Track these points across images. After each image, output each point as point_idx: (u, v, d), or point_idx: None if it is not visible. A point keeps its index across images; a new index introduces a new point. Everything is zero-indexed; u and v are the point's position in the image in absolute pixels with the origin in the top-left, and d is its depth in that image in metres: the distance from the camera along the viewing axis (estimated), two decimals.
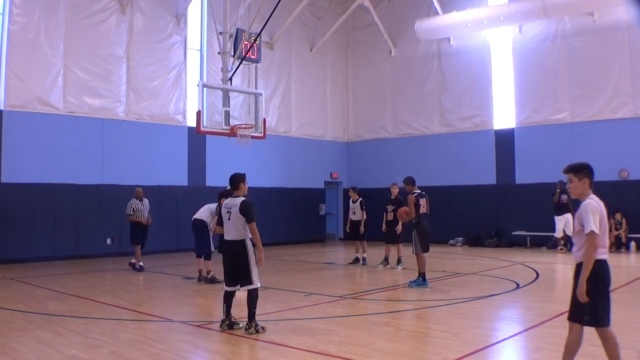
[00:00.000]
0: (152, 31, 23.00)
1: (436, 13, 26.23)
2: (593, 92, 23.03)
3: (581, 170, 6.06)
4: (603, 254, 5.88)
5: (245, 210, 8.84)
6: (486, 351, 7.59)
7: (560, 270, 16.80)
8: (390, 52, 29.14)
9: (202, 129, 17.40)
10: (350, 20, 30.17)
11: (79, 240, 20.38)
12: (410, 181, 14.08)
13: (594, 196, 6.01)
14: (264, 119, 19.01)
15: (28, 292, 13.25)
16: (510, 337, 8.59)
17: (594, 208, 5.85)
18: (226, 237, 9.01)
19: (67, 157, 20.43)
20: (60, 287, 13.92)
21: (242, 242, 8.89)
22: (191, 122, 22.40)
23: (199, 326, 9.28)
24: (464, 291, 12.39)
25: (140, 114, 22.50)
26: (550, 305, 10.61)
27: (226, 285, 9.03)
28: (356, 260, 18.40)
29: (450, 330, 8.65)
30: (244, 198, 9.04)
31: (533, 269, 16.48)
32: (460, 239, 25.54)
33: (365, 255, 18.27)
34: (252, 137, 18.25)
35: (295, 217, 27.23)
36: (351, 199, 18.72)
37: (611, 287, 5.97)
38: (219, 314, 9.11)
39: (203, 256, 14.47)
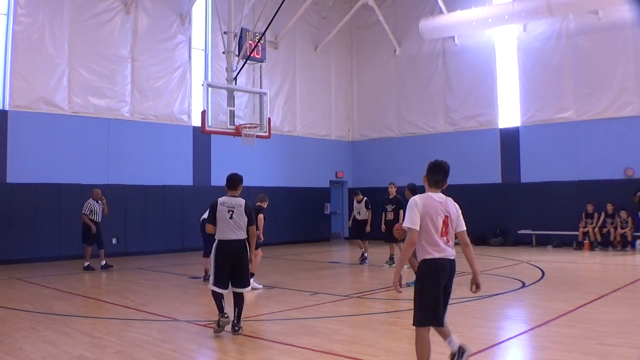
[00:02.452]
0: (156, 31, 23.03)
1: (441, 12, 26.20)
2: (598, 90, 22.99)
3: (427, 168, 6.09)
4: (434, 252, 5.81)
5: (251, 211, 9.02)
6: (491, 350, 7.59)
7: (565, 269, 16.76)
8: (395, 51, 29.12)
9: (207, 128, 17.41)
10: (354, 20, 30.17)
11: None
12: (412, 188, 14.06)
13: (427, 194, 5.95)
14: (269, 119, 19.02)
15: (34, 292, 13.28)
16: (515, 336, 8.58)
17: (412, 204, 5.83)
18: (226, 237, 8.81)
19: (72, 157, 20.48)
20: (65, 286, 13.96)
21: (244, 242, 8.90)
22: (196, 121, 22.50)
23: (204, 325, 9.28)
24: (469, 290, 12.35)
25: (145, 114, 22.54)
26: (555, 304, 10.58)
27: (220, 287, 8.78)
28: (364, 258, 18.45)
29: (455, 329, 8.60)
30: (244, 199, 9.07)
31: (539, 267, 16.47)
32: None
33: (366, 254, 18.33)
34: (257, 136, 18.27)
35: (300, 217, 27.24)
36: (355, 200, 18.79)
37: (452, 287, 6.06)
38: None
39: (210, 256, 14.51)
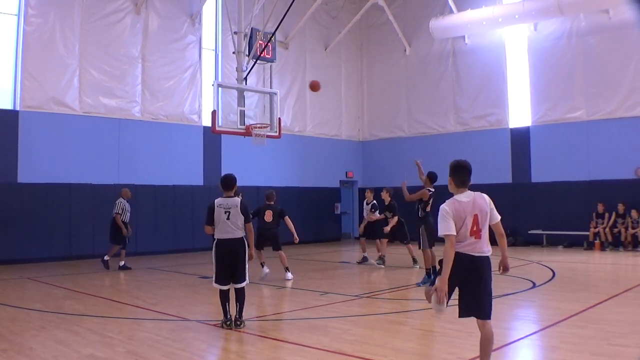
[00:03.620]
0: (167, 31, 23.08)
1: (451, 11, 26.16)
2: (609, 90, 22.90)
3: (450, 169, 6.35)
4: (457, 248, 6.03)
5: (246, 210, 9.43)
6: (502, 350, 7.56)
7: (576, 269, 16.71)
8: (405, 50, 29.10)
9: (217, 128, 17.43)
10: (364, 19, 30.15)
11: (95, 239, 20.43)
12: (431, 176, 14.03)
13: (457, 196, 6.21)
14: (279, 119, 19.02)
15: (44, 292, 13.34)
16: (526, 336, 8.56)
17: (444, 213, 6.06)
18: (224, 236, 9.27)
19: (83, 157, 20.55)
20: (76, 286, 14.00)
21: (242, 240, 9.33)
22: (206, 121, 22.52)
23: (214, 325, 9.29)
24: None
25: (156, 114, 22.59)
26: (566, 305, 10.55)
27: (222, 285, 9.24)
28: (364, 259, 18.44)
29: (466, 329, 8.62)
30: (239, 198, 9.62)
31: (549, 268, 16.42)
32: None
33: (381, 254, 18.24)
34: (268, 136, 18.28)
35: (310, 217, 27.19)
36: (365, 200, 18.83)
37: (486, 281, 6.23)
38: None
39: None
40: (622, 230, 21.53)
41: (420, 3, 28.37)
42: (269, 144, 19.38)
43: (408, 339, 8.27)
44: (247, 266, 9.31)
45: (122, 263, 17.55)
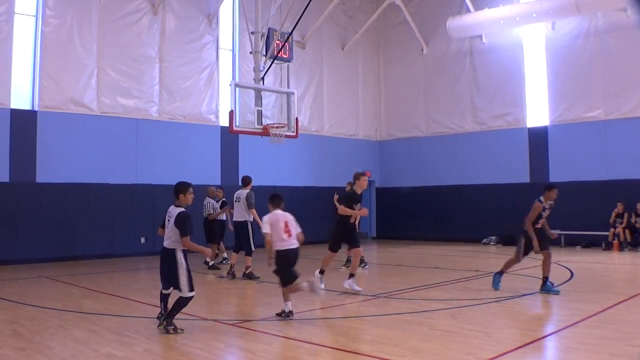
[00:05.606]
0: (184, 31, 23.15)
1: (468, 10, 26.08)
2: (627, 89, 22.75)
3: (269, 199, 9.92)
4: (281, 245, 9.60)
5: (179, 223, 8.90)
6: (519, 351, 7.53)
7: (594, 269, 16.62)
8: (422, 50, 29.03)
9: (234, 128, 17.47)
10: (381, 19, 30.11)
11: (113, 239, 20.57)
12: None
13: (272, 212, 9.88)
14: (296, 118, 19.04)
15: (63, 291, 13.39)
16: (543, 337, 8.52)
17: (264, 220, 9.80)
18: (163, 243, 9.01)
19: (100, 157, 20.65)
20: (94, 285, 14.06)
21: (173, 252, 8.85)
22: (224, 121, 22.56)
23: (232, 325, 9.31)
24: (497, 291, 12.30)
25: (173, 114, 22.67)
26: (584, 305, 10.50)
27: (162, 288, 9.15)
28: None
29: (483, 329, 8.60)
30: (182, 209, 9.14)
31: (567, 268, 16.35)
32: (493, 237, 25.30)
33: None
34: (285, 136, 18.32)
35: (327, 216, 27.11)
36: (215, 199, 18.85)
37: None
38: (253, 313, 9.17)
39: (244, 252, 15.05)
40: None
41: (437, 2, 28.30)
42: (286, 144, 19.42)
43: (425, 339, 8.24)
44: (181, 278, 8.70)
45: (212, 262, 17.40)
